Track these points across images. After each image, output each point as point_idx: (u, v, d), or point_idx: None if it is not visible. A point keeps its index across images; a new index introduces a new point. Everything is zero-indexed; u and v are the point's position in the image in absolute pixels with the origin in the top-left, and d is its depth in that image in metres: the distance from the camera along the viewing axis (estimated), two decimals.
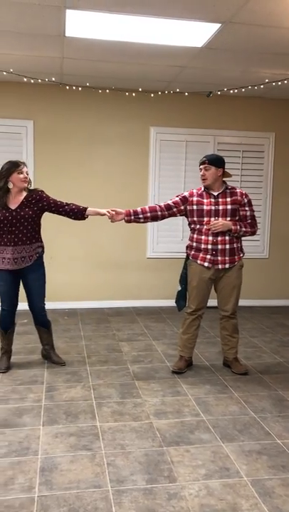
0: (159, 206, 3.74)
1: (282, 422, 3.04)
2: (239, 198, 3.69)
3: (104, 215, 3.71)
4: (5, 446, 2.67)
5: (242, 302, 6.16)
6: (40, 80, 4.92)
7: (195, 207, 3.70)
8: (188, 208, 3.72)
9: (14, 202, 3.66)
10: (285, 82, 4.97)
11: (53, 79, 5.01)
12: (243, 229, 3.69)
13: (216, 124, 5.99)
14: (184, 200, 3.74)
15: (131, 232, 5.88)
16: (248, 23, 3.60)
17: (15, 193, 3.67)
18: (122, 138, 5.86)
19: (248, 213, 3.72)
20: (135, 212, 3.69)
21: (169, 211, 3.73)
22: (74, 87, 5.09)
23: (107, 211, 3.70)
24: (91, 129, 5.78)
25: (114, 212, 3.70)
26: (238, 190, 3.74)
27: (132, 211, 3.69)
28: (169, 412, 3.13)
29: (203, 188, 3.74)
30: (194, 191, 3.77)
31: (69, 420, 2.99)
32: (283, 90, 5.50)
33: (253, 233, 3.78)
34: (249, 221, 3.72)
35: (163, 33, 3.88)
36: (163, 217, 3.77)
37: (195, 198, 3.71)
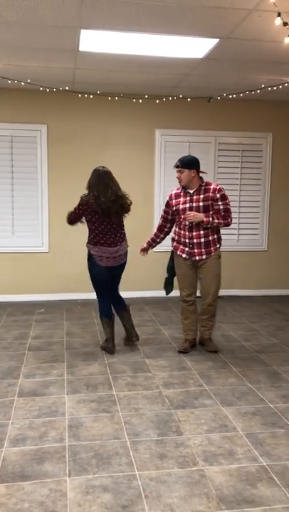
0: (160, 226, 4.41)
1: (275, 390, 3.48)
2: (211, 194, 4.10)
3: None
4: (36, 410, 3.13)
5: (242, 292, 6.66)
6: (54, 89, 5.36)
7: (175, 208, 4.20)
8: (173, 209, 4.23)
9: None
10: (281, 87, 5.39)
11: (66, 88, 5.45)
12: (216, 220, 4.09)
13: (217, 125, 6.42)
14: (168, 205, 4.28)
15: (139, 228, 6.32)
16: (243, 38, 4.03)
17: None
18: (130, 140, 6.30)
19: (221, 207, 4.12)
20: (153, 241, 4.46)
21: (169, 223, 4.35)
22: (86, 95, 5.53)
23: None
24: (101, 133, 6.22)
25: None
26: (211, 187, 4.13)
27: (150, 241, 4.46)
28: (176, 383, 3.58)
29: (181, 188, 4.21)
30: (173, 193, 4.27)
31: (89, 390, 3.45)
32: (280, 93, 5.91)
33: (227, 224, 4.18)
34: (222, 214, 4.13)
35: (167, 47, 4.31)
36: (170, 229, 4.40)
37: (174, 200, 4.22)
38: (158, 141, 6.36)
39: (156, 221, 6.39)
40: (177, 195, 4.21)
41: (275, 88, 5.47)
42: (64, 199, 6.23)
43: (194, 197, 4.12)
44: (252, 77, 5.21)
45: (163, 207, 4.39)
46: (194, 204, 4.10)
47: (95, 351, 4.30)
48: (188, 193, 4.14)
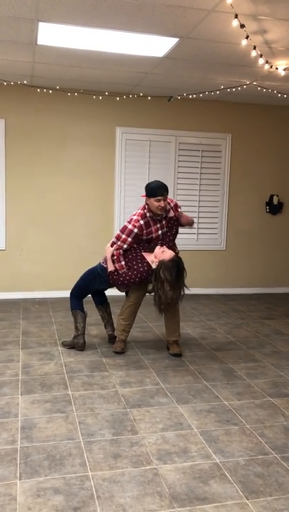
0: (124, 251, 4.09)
1: (230, 388, 3.53)
2: (176, 213, 4.17)
3: None
4: None
5: (201, 290, 6.72)
6: (12, 83, 5.23)
7: (146, 237, 4.10)
8: (143, 239, 4.12)
9: None
10: (239, 88, 5.47)
11: (25, 82, 5.33)
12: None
13: (178, 125, 6.44)
14: (137, 237, 4.05)
15: (99, 224, 6.29)
16: (202, 38, 4.05)
17: None
18: (90, 137, 6.23)
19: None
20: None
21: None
22: (45, 90, 5.43)
23: None
24: (61, 129, 6.13)
25: None
26: (172, 204, 4.18)
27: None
28: (132, 382, 3.57)
29: (148, 215, 4.05)
30: (142, 223, 4.03)
31: (44, 390, 3.39)
32: (238, 95, 6.00)
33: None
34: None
35: (128, 44, 4.28)
36: None
37: (145, 231, 4.07)
38: (119, 138, 6.33)
39: (117, 219, 6.39)
40: (147, 225, 4.06)
41: (233, 90, 5.56)
42: (21, 195, 6.11)
43: (164, 222, 4.15)
44: (211, 77, 5.26)
45: (124, 238, 4.03)
46: (166, 229, 4.15)
47: (51, 351, 4.23)
48: (157, 220, 4.10)
